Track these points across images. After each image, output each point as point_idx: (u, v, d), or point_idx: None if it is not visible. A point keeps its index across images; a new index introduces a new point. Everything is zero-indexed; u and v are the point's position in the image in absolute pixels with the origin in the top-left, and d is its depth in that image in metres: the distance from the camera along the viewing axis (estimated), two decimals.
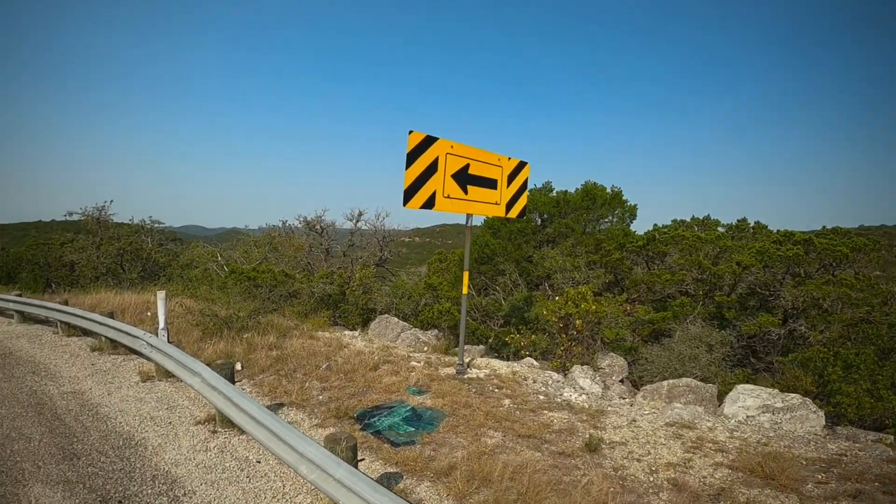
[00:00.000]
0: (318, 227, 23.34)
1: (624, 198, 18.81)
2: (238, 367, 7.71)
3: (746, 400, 6.75)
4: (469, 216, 7.72)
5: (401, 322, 12.63)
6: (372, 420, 5.82)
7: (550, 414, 6.38)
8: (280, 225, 23.30)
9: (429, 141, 6.75)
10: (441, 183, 6.92)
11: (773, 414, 6.49)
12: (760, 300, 12.27)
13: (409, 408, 6.23)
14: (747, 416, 6.53)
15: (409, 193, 6.50)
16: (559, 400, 7.10)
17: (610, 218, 18.87)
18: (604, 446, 5.40)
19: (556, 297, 10.68)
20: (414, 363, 8.40)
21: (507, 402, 6.73)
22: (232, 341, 8.78)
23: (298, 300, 15.52)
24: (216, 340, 8.74)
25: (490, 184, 7.89)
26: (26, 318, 11.01)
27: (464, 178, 7.35)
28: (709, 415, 6.69)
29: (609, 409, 6.86)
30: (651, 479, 4.74)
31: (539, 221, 19.11)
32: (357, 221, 23.39)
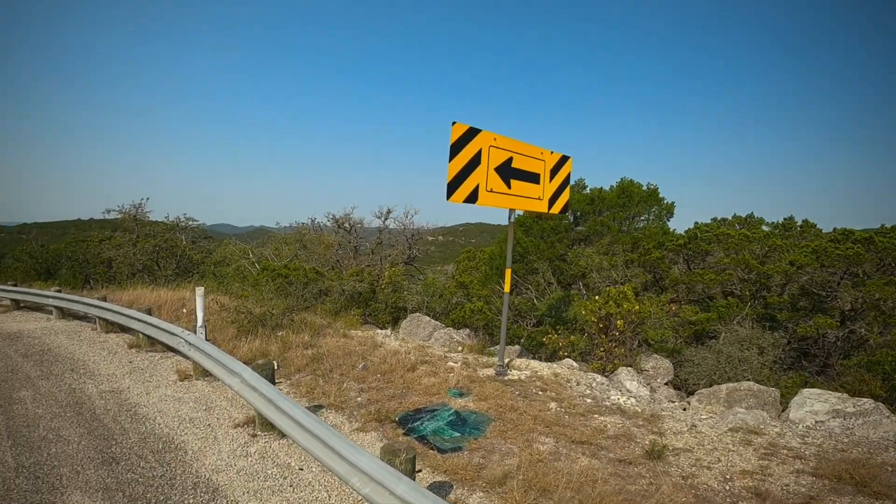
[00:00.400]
0: (346, 224, 23.29)
1: (660, 195, 18.24)
2: (274, 365, 7.57)
3: (814, 404, 6.31)
4: (512, 211, 7.41)
5: (433, 321, 12.39)
6: (415, 424, 5.56)
7: (602, 418, 6.03)
8: (309, 222, 23.34)
9: (472, 133, 6.47)
10: (484, 176, 6.62)
11: (844, 419, 6.05)
12: (814, 301, 11.61)
13: (452, 411, 5.96)
14: (816, 422, 6.10)
15: (452, 187, 6.22)
16: (608, 403, 6.75)
17: (646, 216, 18.31)
18: (667, 453, 5.04)
19: (596, 297, 10.27)
20: (451, 363, 8.14)
21: (553, 405, 6.41)
22: (267, 339, 8.65)
23: (329, 298, 15.43)
24: (251, 338, 8.62)
25: (533, 178, 7.56)
26: (65, 314, 11.11)
27: (507, 171, 7.04)
28: (774, 420, 6.26)
29: (663, 413, 6.48)
30: (727, 487, 4.37)
31: (572, 219, 18.65)
32: (386, 219, 23.27)
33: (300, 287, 13.42)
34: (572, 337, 10.51)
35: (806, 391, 6.70)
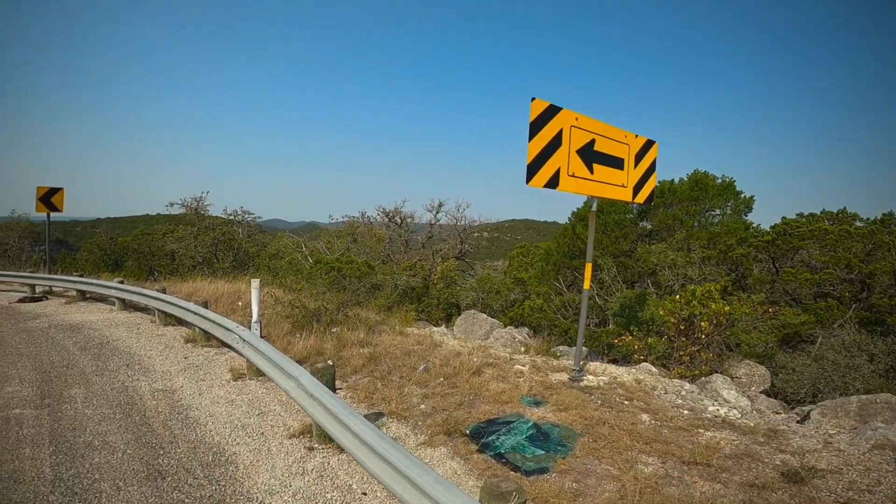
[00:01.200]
0: (397, 218, 22.96)
1: (737, 189, 16.76)
2: (334, 370, 7.10)
3: None
4: (593, 199, 6.60)
5: (490, 319, 11.71)
6: (490, 439, 4.88)
7: (710, 433, 5.16)
8: (360, 216, 23.17)
9: (552, 111, 5.71)
10: (566, 159, 5.85)
11: None
12: None
13: (530, 423, 5.25)
14: None
15: (532, 169, 5.49)
16: (708, 415, 5.85)
17: (721, 210, 16.90)
18: (811, 476, 4.15)
19: (676, 296, 9.27)
20: (519, 367, 7.41)
21: (645, 417, 5.58)
22: (321, 336, 8.22)
23: (382, 293, 15.00)
24: (306, 335, 8.21)
25: (617, 163, 6.71)
26: (127, 305, 11.14)
27: (589, 155, 6.23)
28: None
29: (783, 427, 5.52)
30: None
31: (636, 212, 17.47)
32: (437, 212, 22.76)
33: (354, 281, 13.02)
34: (650, 339, 9.54)
35: None
